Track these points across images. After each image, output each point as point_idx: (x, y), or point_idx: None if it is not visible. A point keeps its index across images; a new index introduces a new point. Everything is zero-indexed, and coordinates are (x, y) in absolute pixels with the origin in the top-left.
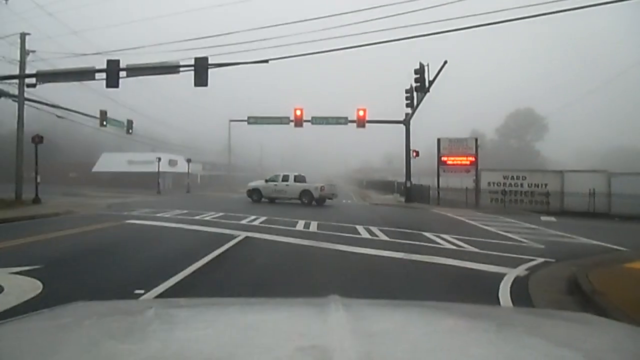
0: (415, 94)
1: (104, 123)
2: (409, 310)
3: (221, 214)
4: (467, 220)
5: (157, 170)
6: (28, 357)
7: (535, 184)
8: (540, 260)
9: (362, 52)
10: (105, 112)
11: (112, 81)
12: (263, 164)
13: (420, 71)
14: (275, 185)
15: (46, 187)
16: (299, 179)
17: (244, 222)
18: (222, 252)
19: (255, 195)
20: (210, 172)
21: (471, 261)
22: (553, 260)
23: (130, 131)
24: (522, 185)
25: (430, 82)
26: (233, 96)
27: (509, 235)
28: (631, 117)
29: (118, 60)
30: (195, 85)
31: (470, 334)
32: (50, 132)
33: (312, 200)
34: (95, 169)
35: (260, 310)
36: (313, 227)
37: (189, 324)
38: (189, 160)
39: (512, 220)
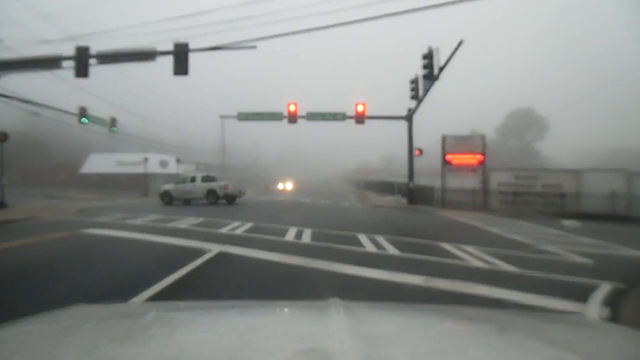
0: (421, 84)
1: (83, 120)
2: (409, 313)
3: (201, 219)
4: (482, 226)
5: (148, 171)
6: None
7: (549, 185)
8: (606, 285)
9: (361, 46)
10: (85, 109)
11: (81, 70)
12: (259, 164)
13: (429, 56)
14: (184, 186)
15: (29, 189)
16: (206, 179)
17: (224, 230)
18: (180, 279)
19: (166, 197)
20: (204, 173)
21: (519, 290)
22: (622, 285)
23: (114, 129)
24: (534, 185)
25: (441, 68)
26: (228, 95)
27: (540, 245)
28: (631, 117)
29: (87, 47)
30: (175, 73)
31: (470, 337)
32: (39, 133)
33: (217, 198)
34: (83, 170)
35: (261, 313)
36: (306, 236)
37: (189, 327)
38: (178, 161)
39: (533, 225)
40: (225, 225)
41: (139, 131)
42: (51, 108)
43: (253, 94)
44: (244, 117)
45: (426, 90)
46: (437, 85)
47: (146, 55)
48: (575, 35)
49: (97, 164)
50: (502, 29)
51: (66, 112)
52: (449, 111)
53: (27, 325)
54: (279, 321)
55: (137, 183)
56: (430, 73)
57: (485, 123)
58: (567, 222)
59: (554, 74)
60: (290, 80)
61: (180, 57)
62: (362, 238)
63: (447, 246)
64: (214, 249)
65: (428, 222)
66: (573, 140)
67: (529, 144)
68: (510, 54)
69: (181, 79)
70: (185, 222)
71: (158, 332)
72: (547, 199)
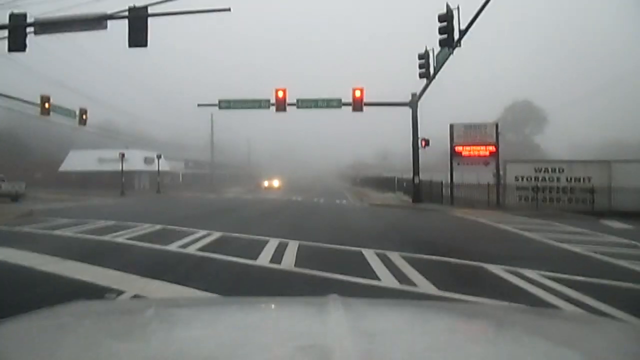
0: (432, 58)
1: (48, 111)
2: (408, 310)
3: (158, 227)
4: (515, 231)
5: (132, 168)
6: (28, 356)
7: (575, 178)
8: None
9: (359, 31)
10: (48, 98)
11: (17, 42)
12: (252, 161)
13: (447, 18)
14: None
15: None
16: None
17: (177, 244)
18: None
19: None
20: (193, 170)
21: None
22: None
23: (84, 118)
24: (558, 179)
25: (463, 32)
26: (221, 92)
27: (618, 262)
28: (628, 111)
29: (24, 14)
30: (130, 45)
31: (469, 333)
32: (18, 130)
33: None
34: (62, 168)
35: (260, 310)
36: (289, 256)
37: (188, 324)
38: (159, 157)
39: (572, 228)
40: (183, 236)
41: (128, 128)
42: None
43: (243, 85)
44: (226, 105)
45: (443, 61)
46: (441, 72)
47: (95, 22)
48: (578, 32)
49: (78, 161)
50: (502, 21)
51: (26, 101)
52: (448, 103)
53: (27, 322)
54: (278, 317)
55: (119, 181)
56: (449, 38)
57: (482, 117)
58: (609, 223)
59: (553, 69)
60: (279, 66)
61: (137, 23)
62: (370, 257)
63: (496, 270)
64: (131, 289)
65: (446, 226)
66: (571, 133)
67: (527, 137)
68: (509, 49)
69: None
70: (136, 231)
71: (157, 329)
72: (574, 195)
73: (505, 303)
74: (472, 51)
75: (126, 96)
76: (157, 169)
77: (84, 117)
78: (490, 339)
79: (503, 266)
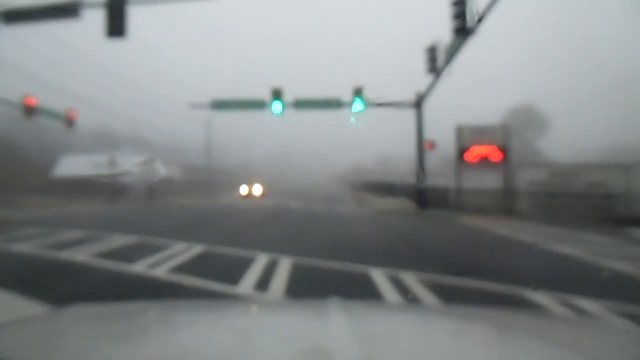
0: (440, 52)
1: (31, 112)
2: (409, 313)
3: (133, 239)
4: (542, 243)
5: (120, 173)
6: None
7: (592, 183)
8: None
9: (360, 32)
10: (31, 98)
11: None
12: (249, 165)
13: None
14: None
15: None
16: None
17: (145, 262)
18: None
19: None
20: (191, 175)
21: None
22: None
23: (72, 120)
24: (574, 184)
25: (481, 15)
26: (217, 93)
27: None
28: (630, 116)
29: None
30: (109, 34)
31: (469, 337)
32: (15, 136)
33: None
34: (55, 173)
35: (261, 313)
36: (280, 278)
37: (189, 327)
38: (151, 161)
39: (604, 239)
40: (157, 251)
41: (125, 133)
42: None
43: (243, 88)
44: (219, 105)
45: (454, 52)
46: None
47: (67, 10)
48: (580, 36)
49: (70, 166)
50: (503, 25)
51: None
52: (448, 107)
53: (27, 325)
54: (278, 320)
55: (115, 186)
56: (462, 24)
57: (484, 121)
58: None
59: (555, 74)
60: (281, 73)
61: (114, 11)
62: (381, 281)
63: (546, 301)
64: None
65: (461, 237)
66: (572, 137)
67: (529, 141)
68: (510, 51)
69: (171, 78)
70: (104, 244)
71: (158, 332)
72: (590, 201)
73: (507, 308)
74: (472, 55)
75: (125, 101)
76: (152, 173)
77: (71, 116)
78: (492, 342)
79: (552, 294)
